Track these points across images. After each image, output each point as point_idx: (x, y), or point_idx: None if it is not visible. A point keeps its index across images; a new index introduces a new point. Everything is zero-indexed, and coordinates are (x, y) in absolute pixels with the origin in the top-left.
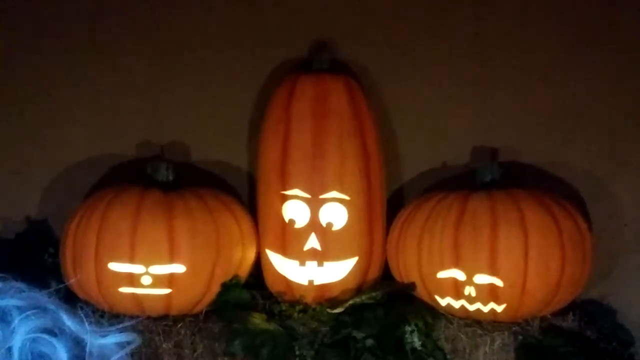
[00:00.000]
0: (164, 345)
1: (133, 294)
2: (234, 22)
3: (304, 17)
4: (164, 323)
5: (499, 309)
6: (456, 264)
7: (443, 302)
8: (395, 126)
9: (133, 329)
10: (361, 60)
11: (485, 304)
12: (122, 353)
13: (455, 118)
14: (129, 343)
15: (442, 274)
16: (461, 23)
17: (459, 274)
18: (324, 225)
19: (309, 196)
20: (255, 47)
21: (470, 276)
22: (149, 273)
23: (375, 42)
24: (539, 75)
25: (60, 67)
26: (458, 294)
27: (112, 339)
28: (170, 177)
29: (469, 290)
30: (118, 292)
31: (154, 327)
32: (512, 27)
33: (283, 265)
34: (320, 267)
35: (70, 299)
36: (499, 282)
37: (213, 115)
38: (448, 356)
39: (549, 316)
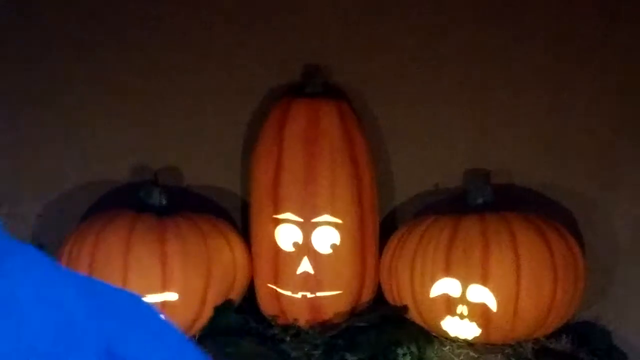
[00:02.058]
0: None
1: None
2: (227, 46)
3: (297, 41)
4: None
5: (492, 331)
6: (448, 275)
7: (436, 323)
8: (388, 149)
9: None
10: (354, 84)
11: (478, 325)
12: None
13: (448, 141)
14: None
15: (434, 290)
16: (454, 47)
17: (452, 288)
18: (317, 248)
19: (301, 220)
20: (249, 71)
21: (464, 291)
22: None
23: (368, 66)
24: (531, 98)
25: (52, 91)
26: (451, 311)
27: None
28: (164, 202)
29: (462, 309)
30: None
31: None
32: (504, 51)
33: (276, 294)
34: (312, 296)
35: None
36: (492, 303)
37: (206, 140)
38: None
39: (542, 338)
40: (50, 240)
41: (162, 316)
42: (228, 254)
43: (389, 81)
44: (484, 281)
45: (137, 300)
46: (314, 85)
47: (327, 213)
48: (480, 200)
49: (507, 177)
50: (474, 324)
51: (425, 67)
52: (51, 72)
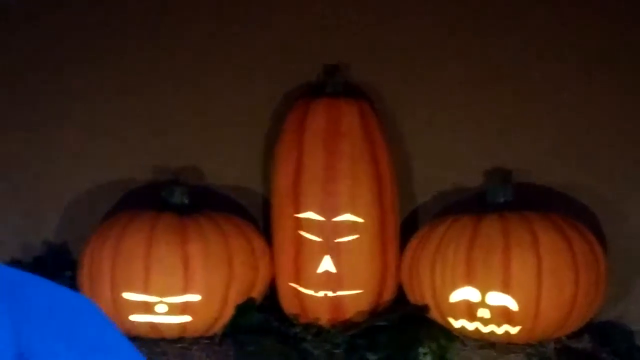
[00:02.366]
0: None
1: (149, 321)
2: (247, 46)
3: (317, 40)
4: (180, 345)
5: (513, 330)
6: (469, 284)
7: (457, 324)
8: (408, 148)
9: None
10: (374, 83)
11: (499, 326)
12: None
13: (469, 140)
14: None
15: (454, 296)
16: (474, 46)
17: (472, 295)
18: (338, 248)
19: (322, 219)
20: (269, 70)
21: (483, 297)
22: (163, 302)
23: (388, 65)
24: (553, 97)
25: (74, 91)
26: (472, 315)
27: None
28: (185, 201)
29: (483, 313)
30: (133, 319)
31: (170, 350)
32: (525, 50)
33: (297, 293)
34: (334, 295)
35: None
36: (512, 305)
37: (228, 139)
38: None
39: (563, 338)
40: (71, 240)
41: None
42: (249, 253)
43: (409, 81)
44: (505, 285)
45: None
46: (334, 85)
47: (348, 212)
48: (501, 200)
49: (528, 177)
50: (494, 326)
51: (445, 66)
52: (72, 72)
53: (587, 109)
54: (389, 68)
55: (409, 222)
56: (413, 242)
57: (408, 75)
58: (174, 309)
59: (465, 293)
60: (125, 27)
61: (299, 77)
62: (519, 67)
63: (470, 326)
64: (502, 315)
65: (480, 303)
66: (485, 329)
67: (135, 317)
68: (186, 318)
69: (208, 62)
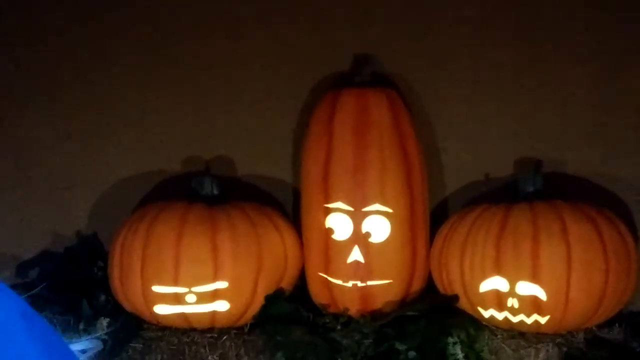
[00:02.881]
0: (209, 358)
1: (179, 311)
2: (276, 38)
3: (346, 31)
4: (210, 335)
5: (543, 320)
6: (497, 274)
7: (486, 313)
8: (438, 138)
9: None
10: (403, 73)
11: (528, 315)
12: (84, 357)
13: (499, 129)
14: (92, 349)
15: (484, 286)
16: (503, 38)
17: (501, 285)
18: (367, 238)
19: (351, 209)
20: (298, 62)
21: (512, 287)
22: (192, 292)
23: (417, 55)
24: (583, 86)
25: (108, 84)
26: (501, 305)
27: (76, 346)
28: (215, 192)
29: (512, 302)
30: (163, 309)
31: (199, 340)
32: (554, 38)
33: (327, 283)
34: (363, 285)
35: (117, 311)
36: (541, 294)
37: (258, 129)
38: None
39: (594, 328)
40: (102, 231)
41: None
42: (279, 243)
43: (438, 70)
44: (534, 275)
45: None
46: (362, 75)
47: (377, 202)
48: (531, 189)
49: (558, 166)
50: (524, 316)
51: (475, 55)
52: (107, 63)
53: (619, 98)
54: (419, 58)
55: (439, 212)
56: (442, 232)
57: (438, 66)
58: (204, 298)
59: (494, 283)
60: (162, 22)
61: (328, 68)
62: (550, 55)
63: (500, 316)
64: (531, 304)
65: (510, 293)
66: (514, 319)
67: (165, 308)
68: (216, 306)
69: (238, 54)
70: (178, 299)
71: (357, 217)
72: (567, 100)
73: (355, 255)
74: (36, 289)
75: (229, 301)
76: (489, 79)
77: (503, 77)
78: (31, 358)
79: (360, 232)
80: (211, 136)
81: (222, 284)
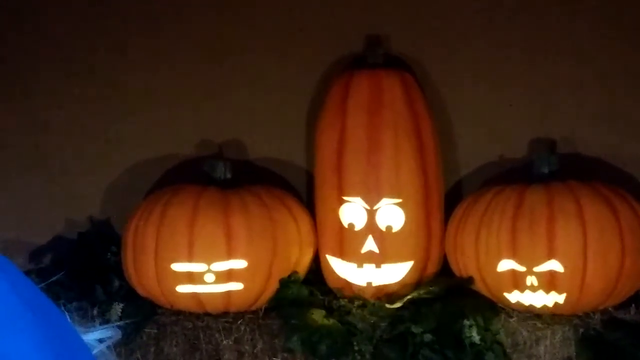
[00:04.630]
0: (224, 342)
1: (193, 292)
2: (288, 20)
3: (358, 12)
4: (224, 320)
5: (561, 298)
6: (514, 255)
7: (505, 295)
8: (452, 120)
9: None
10: (416, 54)
11: (547, 292)
12: (101, 346)
13: (513, 111)
14: (110, 337)
15: (500, 266)
16: (517, 17)
17: (518, 266)
18: (381, 227)
19: (365, 196)
20: (311, 43)
21: (529, 267)
22: (211, 270)
23: (430, 35)
24: (598, 66)
25: (121, 71)
26: (518, 285)
27: (93, 335)
28: (228, 175)
29: (531, 280)
30: (178, 290)
31: (214, 324)
32: (568, 20)
33: (341, 267)
34: (378, 269)
35: (131, 296)
36: (559, 268)
37: (270, 113)
38: (508, 350)
39: (610, 309)
40: (117, 213)
41: None
42: (293, 227)
43: (451, 51)
44: (550, 255)
45: None
46: (375, 56)
47: (391, 189)
48: (545, 170)
49: (572, 146)
50: (543, 293)
51: (488, 36)
52: (117, 46)
53: (632, 77)
54: (432, 39)
55: (454, 194)
56: (457, 214)
57: (451, 46)
58: (220, 277)
59: (511, 263)
60: (172, 9)
61: (341, 49)
62: (564, 35)
63: (516, 296)
64: (549, 280)
65: (527, 272)
66: (533, 296)
67: (179, 288)
68: (231, 286)
69: (250, 36)
70: (193, 278)
71: (371, 204)
72: (581, 80)
73: (370, 245)
74: (54, 277)
75: (244, 282)
76: (503, 60)
77: (517, 57)
78: (25, 328)
79: (375, 221)
80: (224, 119)
81: (238, 262)
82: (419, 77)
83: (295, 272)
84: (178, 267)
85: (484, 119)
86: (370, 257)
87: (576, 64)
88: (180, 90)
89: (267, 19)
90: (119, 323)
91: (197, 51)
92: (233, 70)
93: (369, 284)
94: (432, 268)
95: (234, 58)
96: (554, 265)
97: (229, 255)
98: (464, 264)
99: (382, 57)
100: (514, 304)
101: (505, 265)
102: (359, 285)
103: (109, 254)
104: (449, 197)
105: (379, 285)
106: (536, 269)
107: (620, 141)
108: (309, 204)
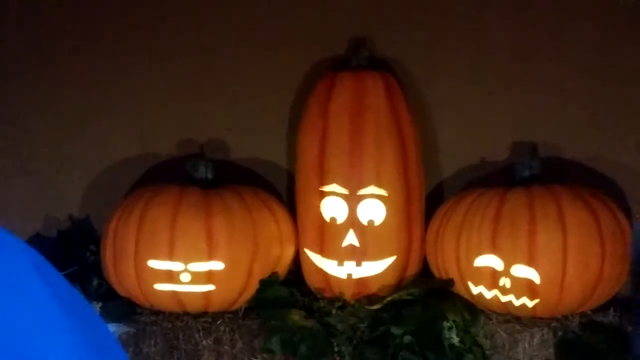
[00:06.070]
0: (203, 342)
1: (173, 291)
2: (272, 20)
3: (342, 14)
4: (204, 320)
5: (530, 304)
6: (493, 250)
7: (475, 290)
8: (434, 122)
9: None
10: (399, 57)
11: (518, 297)
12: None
13: (495, 113)
14: (114, 333)
15: (479, 261)
16: (500, 19)
17: (496, 264)
18: (362, 221)
19: (346, 192)
20: (294, 45)
21: (507, 268)
22: (188, 270)
23: (413, 38)
24: (580, 70)
25: (101, 69)
26: (493, 284)
27: None
28: (209, 176)
29: (504, 282)
30: (157, 289)
31: (193, 324)
32: (551, 22)
33: (322, 264)
34: (358, 267)
35: (110, 296)
36: (536, 278)
37: (252, 113)
38: (487, 352)
39: (589, 312)
40: (97, 212)
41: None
42: (274, 227)
43: (434, 54)
44: (530, 259)
45: None
46: (359, 58)
47: (372, 185)
48: (527, 173)
49: (554, 150)
50: (513, 297)
51: (470, 38)
52: (100, 46)
53: (614, 82)
54: (415, 42)
55: (435, 196)
56: (438, 215)
57: (433, 49)
58: (198, 278)
59: (489, 260)
60: (155, 7)
61: (324, 51)
62: (546, 39)
63: (488, 294)
64: (524, 287)
65: (504, 272)
66: (503, 299)
67: (159, 287)
68: (210, 287)
69: (233, 36)
70: (172, 277)
71: (353, 200)
72: (564, 84)
73: (350, 239)
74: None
75: (222, 284)
76: (485, 62)
77: (500, 60)
78: (44, 302)
79: (356, 215)
80: (205, 119)
81: (217, 264)
82: (402, 79)
83: (275, 273)
84: (156, 264)
85: (466, 122)
86: (351, 253)
87: (559, 68)
88: (162, 89)
89: (250, 21)
90: None
91: (180, 51)
92: (216, 71)
93: (350, 276)
94: (413, 269)
95: (217, 58)
96: (531, 274)
97: (210, 256)
98: (444, 266)
99: (366, 59)
100: (487, 301)
101: (483, 260)
102: (339, 278)
103: (87, 252)
104: (431, 199)
105: (360, 281)
106: (513, 272)
107: (601, 145)
108: (290, 204)
